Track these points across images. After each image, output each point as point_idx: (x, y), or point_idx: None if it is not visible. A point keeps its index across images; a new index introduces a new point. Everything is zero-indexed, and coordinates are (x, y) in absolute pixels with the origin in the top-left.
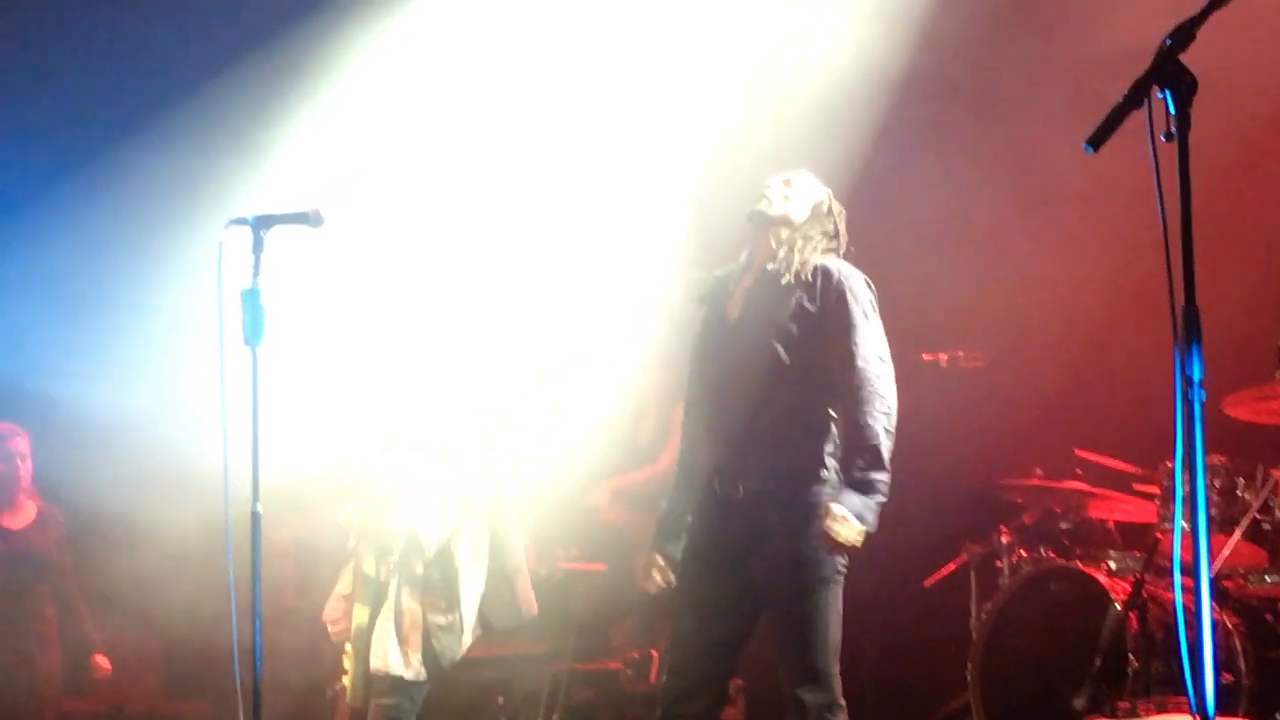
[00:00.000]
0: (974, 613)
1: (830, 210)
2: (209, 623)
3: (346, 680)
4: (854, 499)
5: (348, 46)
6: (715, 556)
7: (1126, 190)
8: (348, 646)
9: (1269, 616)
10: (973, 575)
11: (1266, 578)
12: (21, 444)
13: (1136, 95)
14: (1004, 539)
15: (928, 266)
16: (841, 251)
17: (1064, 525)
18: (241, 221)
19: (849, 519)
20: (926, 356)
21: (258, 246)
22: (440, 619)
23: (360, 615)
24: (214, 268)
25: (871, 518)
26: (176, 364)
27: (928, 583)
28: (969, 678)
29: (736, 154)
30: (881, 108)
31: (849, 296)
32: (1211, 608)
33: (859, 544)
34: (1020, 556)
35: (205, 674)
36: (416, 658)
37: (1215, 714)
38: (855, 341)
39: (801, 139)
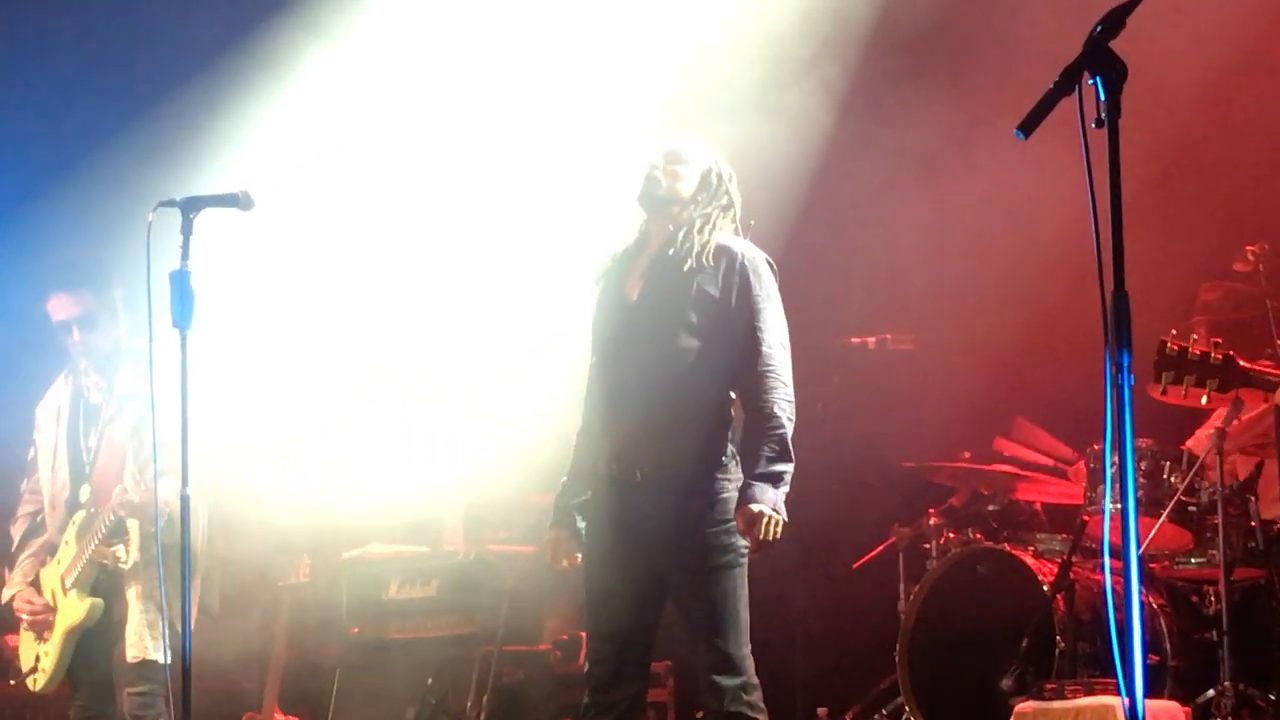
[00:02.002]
0: (902, 595)
1: (721, 177)
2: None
3: (44, 667)
4: (768, 493)
5: (311, 37)
6: (617, 543)
7: (1068, 172)
8: (47, 635)
9: (1194, 598)
10: (901, 557)
11: (1192, 560)
12: None
13: (1067, 81)
14: (932, 521)
15: (857, 248)
16: (738, 218)
17: (992, 507)
18: (170, 203)
19: (766, 514)
20: (855, 339)
21: (187, 228)
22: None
23: (77, 604)
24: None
25: (784, 509)
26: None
27: (856, 565)
28: (897, 659)
29: (687, 121)
30: (823, 76)
31: (753, 280)
32: (1140, 589)
33: (779, 536)
34: (948, 539)
35: None
36: (163, 641)
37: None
38: (759, 327)
39: (747, 110)
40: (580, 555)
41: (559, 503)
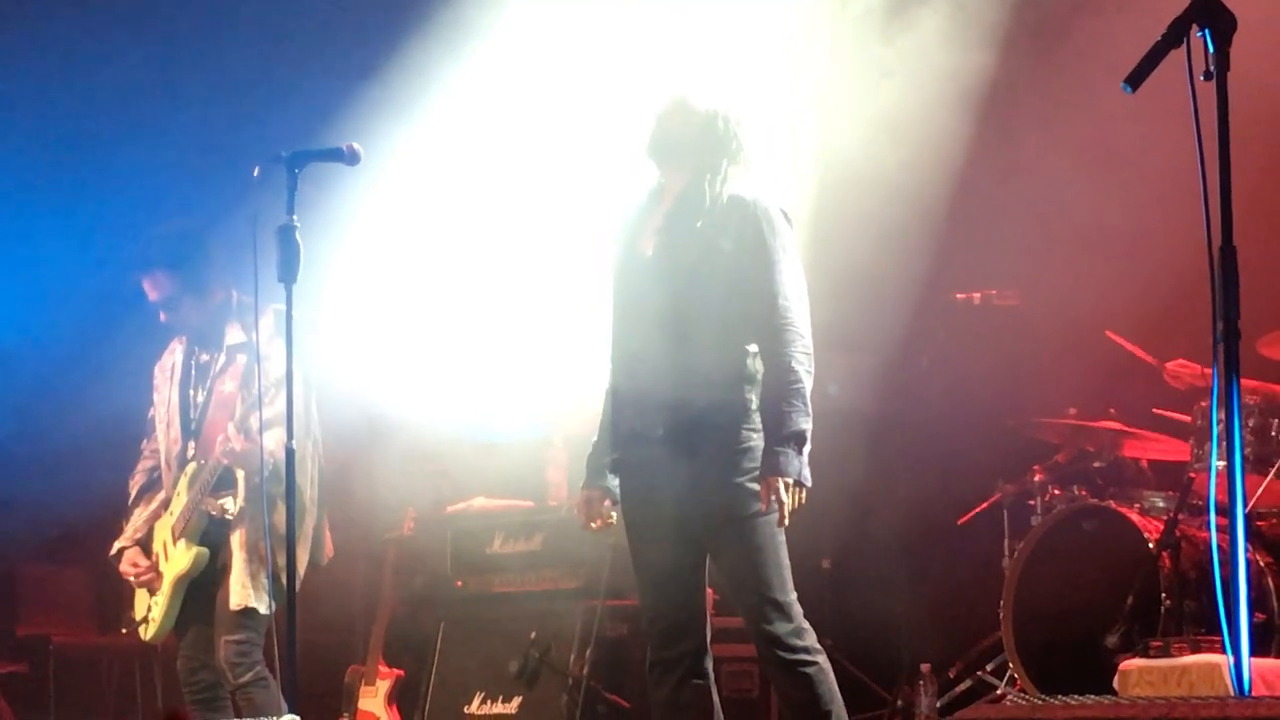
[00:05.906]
0: (1006, 551)
1: (728, 121)
2: None
3: (154, 616)
4: (793, 461)
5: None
6: (647, 500)
7: (1170, 124)
8: (156, 588)
9: None
10: (1005, 514)
11: None
12: None
13: (1175, 34)
14: (1037, 478)
15: (960, 203)
16: (751, 167)
17: (1097, 464)
18: (275, 159)
19: (791, 485)
20: (959, 296)
21: (292, 183)
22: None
23: (185, 554)
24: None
25: (808, 473)
26: None
27: (960, 521)
28: (1001, 616)
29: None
30: (928, 33)
31: (766, 231)
32: (1246, 547)
33: (804, 503)
34: (1053, 495)
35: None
36: (265, 591)
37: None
38: (775, 279)
39: (856, 66)
40: (614, 515)
41: (590, 462)
